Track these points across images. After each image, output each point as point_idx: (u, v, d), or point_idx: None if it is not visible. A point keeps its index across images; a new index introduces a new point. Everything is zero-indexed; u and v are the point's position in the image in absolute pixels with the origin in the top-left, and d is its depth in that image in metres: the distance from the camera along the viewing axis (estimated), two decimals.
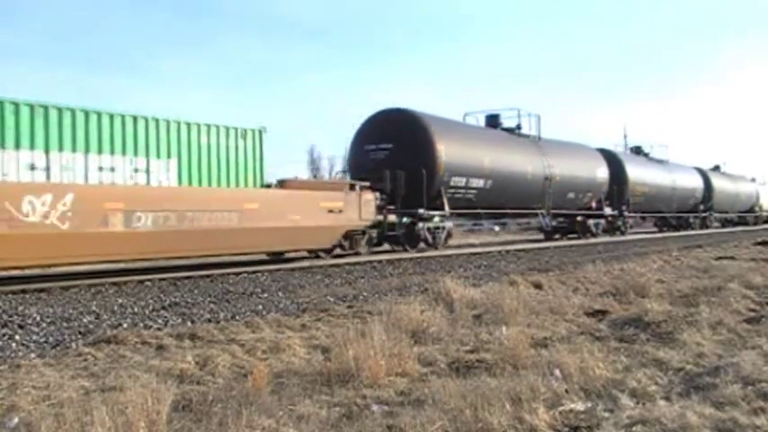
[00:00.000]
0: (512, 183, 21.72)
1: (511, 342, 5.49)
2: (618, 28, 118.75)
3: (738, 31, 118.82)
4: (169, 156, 13.27)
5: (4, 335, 6.96)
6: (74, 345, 6.46)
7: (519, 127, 24.26)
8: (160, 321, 7.82)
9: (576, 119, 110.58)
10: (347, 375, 4.78)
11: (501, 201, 21.77)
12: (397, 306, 7.32)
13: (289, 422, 3.84)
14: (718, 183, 41.47)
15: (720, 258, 15.85)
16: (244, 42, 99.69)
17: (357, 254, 16.82)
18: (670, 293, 9.04)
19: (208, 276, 12.39)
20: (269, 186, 15.32)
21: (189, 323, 7.67)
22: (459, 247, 21.76)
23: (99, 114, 12.14)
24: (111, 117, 12.33)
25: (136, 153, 12.74)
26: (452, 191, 19.43)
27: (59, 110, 11.56)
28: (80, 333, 7.09)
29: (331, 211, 15.78)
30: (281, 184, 15.64)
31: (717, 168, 46.45)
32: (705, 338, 6.04)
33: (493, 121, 23.96)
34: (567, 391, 4.30)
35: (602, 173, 27.37)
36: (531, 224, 27.00)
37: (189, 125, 13.66)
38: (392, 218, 17.85)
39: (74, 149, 11.80)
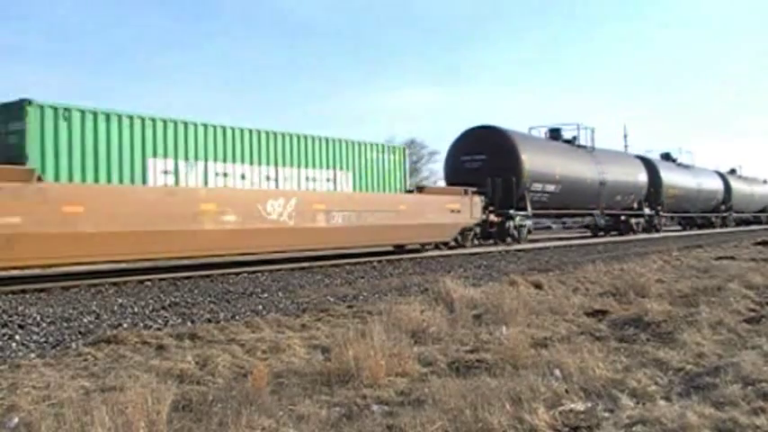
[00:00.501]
0: (575, 187, 25.75)
1: (511, 342, 5.48)
2: (620, 29, 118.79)
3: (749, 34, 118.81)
4: (348, 168, 17.23)
5: (4, 335, 6.96)
6: (74, 345, 6.46)
7: (575, 138, 28.27)
8: (160, 321, 7.82)
9: (576, 118, 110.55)
10: (347, 375, 4.78)
11: (566, 203, 25.74)
12: (397, 306, 7.33)
13: (289, 422, 3.84)
14: (735, 185, 44.80)
15: (720, 258, 15.85)
16: (243, 42, 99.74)
17: (463, 246, 20.61)
18: (670, 293, 9.03)
19: (208, 276, 12.40)
20: (411, 192, 19.40)
21: (189, 323, 7.67)
22: (534, 241, 24.75)
23: (307, 137, 16.14)
24: (313, 139, 16.34)
25: (328, 166, 16.74)
26: (532, 194, 23.29)
27: (283, 135, 15.66)
28: (80, 333, 7.09)
29: (452, 211, 19.67)
30: (420, 190, 20.05)
31: (733, 172, 49.46)
32: (705, 338, 6.03)
33: (555, 133, 27.80)
34: (567, 391, 4.30)
35: (642, 177, 31.83)
36: (585, 222, 31.75)
37: (358, 144, 17.59)
38: (492, 217, 21.57)
39: (292, 164, 15.84)
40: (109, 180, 12.20)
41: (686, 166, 39.43)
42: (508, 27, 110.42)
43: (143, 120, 12.82)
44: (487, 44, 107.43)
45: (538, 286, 10.26)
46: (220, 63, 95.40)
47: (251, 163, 14.93)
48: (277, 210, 14.48)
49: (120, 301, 9.35)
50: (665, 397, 4.34)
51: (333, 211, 15.78)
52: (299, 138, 16.19)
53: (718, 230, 38.51)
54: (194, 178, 13.71)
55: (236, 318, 7.98)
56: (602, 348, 5.63)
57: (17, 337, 6.88)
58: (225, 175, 14.31)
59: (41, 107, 11.22)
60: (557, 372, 4.71)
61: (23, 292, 10.21)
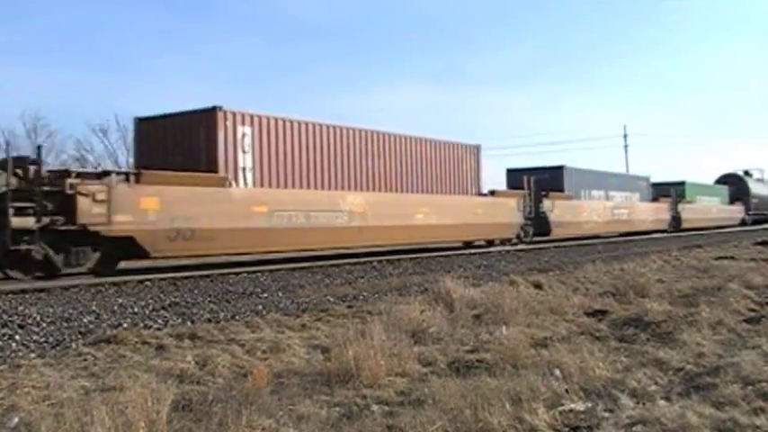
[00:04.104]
0: (761, 200, 50.63)
1: (511, 342, 5.49)
2: (615, 28, 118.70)
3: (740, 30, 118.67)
4: None
5: (4, 335, 6.96)
6: (74, 345, 6.46)
7: (752, 174, 53.70)
8: (160, 321, 7.82)
9: (575, 116, 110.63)
10: (347, 375, 4.78)
11: (758, 208, 49.71)
12: (397, 306, 7.33)
13: (289, 422, 3.84)
14: None
15: (720, 258, 15.85)
16: (240, 40, 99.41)
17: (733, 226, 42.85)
18: (670, 293, 9.03)
19: (208, 276, 12.39)
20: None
21: (189, 323, 7.67)
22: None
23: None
24: None
25: None
26: (752, 203, 48.68)
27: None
28: (80, 333, 7.09)
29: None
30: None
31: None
32: (705, 338, 6.04)
33: (746, 172, 52.81)
34: (567, 391, 4.30)
35: None
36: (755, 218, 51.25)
37: None
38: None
39: None
40: None
41: None
42: (508, 27, 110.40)
43: None
44: (488, 43, 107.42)
45: (538, 286, 10.26)
46: (216, 61, 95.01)
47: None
48: None
49: (120, 301, 9.34)
50: (665, 397, 4.34)
51: None
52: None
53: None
54: None
55: (236, 318, 7.98)
56: (602, 348, 5.63)
57: (17, 337, 6.88)
58: None
59: None
60: (557, 372, 4.71)
61: (23, 292, 10.21)
